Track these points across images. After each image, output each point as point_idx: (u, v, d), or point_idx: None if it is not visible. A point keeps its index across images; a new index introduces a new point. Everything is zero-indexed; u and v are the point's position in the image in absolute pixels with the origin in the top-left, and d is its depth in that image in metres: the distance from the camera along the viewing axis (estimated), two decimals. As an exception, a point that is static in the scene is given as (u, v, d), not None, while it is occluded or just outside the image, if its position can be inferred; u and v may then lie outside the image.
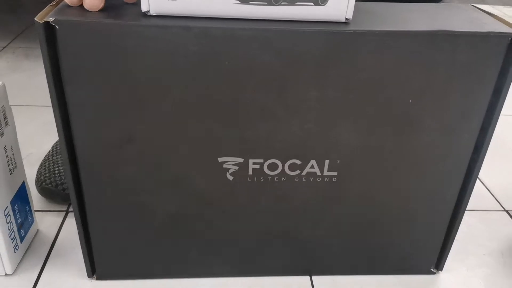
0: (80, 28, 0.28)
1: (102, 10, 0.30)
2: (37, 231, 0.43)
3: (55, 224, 0.45)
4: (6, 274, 0.38)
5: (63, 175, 0.46)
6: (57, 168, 0.47)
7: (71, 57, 0.29)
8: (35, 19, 0.28)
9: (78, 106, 0.31)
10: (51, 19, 0.28)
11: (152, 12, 0.29)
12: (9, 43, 0.88)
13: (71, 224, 0.45)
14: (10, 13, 1.06)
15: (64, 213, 0.46)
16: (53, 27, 0.28)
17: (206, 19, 0.30)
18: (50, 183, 0.46)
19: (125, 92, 0.31)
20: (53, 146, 0.52)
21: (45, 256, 0.41)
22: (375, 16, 0.33)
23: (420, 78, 0.32)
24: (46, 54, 0.29)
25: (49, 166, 0.48)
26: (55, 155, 0.50)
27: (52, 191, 0.46)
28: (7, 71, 0.77)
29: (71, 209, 0.47)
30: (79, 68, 0.29)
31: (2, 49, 0.85)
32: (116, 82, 0.30)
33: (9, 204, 0.37)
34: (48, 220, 0.45)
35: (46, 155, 0.50)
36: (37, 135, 0.59)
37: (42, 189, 0.46)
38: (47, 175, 0.47)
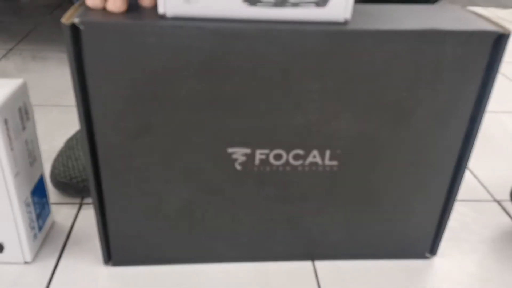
0: (104, 28, 0.31)
1: (127, 11, 0.33)
2: (53, 222, 0.46)
3: (70, 215, 0.47)
4: (25, 262, 0.40)
5: (76, 169, 0.49)
6: (70, 163, 0.50)
7: (94, 55, 0.32)
8: (61, 20, 0.30)
9: (99, 100, 0.33)
10: (76, 21, 0.30)
11: (168, 15, 0.32)
12: (15, 45, 0.90)
13: (85, 215, 0.47)
14: (13, 16, 1.08)
15: (78, 205, 0.49)
16: (78, 28, 0.31)
17: (218, 20, 0.32)
18: (65, 176, 0.48)
19: (142, 87, 0.33)
20: (65, 142, 0.54)
21: (62, 245, 0.43)
22: (371, 17, 0.35)
23: (412, 73, 0.35)
24: (71, 52, 0.31)
25: (63, 161, 0.50)
26: (68, 150, 0.52)
27: (66, 184, 0.48)
28: (15, 72, 0.79)
29: (84, 201, 0.49)
30: (101, 64, 0.32)
31: (9, 51, 0.88)
32: (135, 78, 0.33)
33: (29, 195, 0.39)
34: (63, 212, 0.47)
35: (59, 151, 0.53)
36: (48, 133, 0.61)
37: (57, 183, 0.48)
38: (61, 169, 0.49)
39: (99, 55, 0.32)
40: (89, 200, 0.50)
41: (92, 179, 0.36)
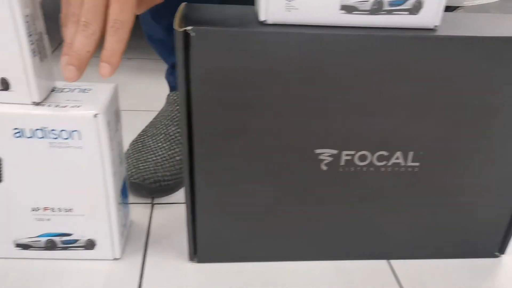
0: (213, 35, 0.33)
1: (226, 19, 0.34)
2: (131, 221, 0.47)
3: (145, 215, 0.49)
4: (114, 258, 0.42)
5: (148, 171, 0.50)
6: (141, 165, 0.51)
7: (200, 60, 0.33)
8: (174, 28, 0.32)
9: (201, 102, 0.35)
10: (189, 28, 0.32)
11: (269, 21, 0.34)
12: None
13: (159, 215, 0.49)
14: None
15: (150, 205, 0.50)
16: (188, 34, 0.32)
17: (315, 27, 0.34)
18: (138, 178, 0.50)
19: (241, 90, 0.35)
20: (130, 145, 0.56)
21: (144, 243, 0.45)
22: (454, 24, 0.37)
23: (495, 77, 0.36)
24: (181, 58, 0.33)
25: (133, 163, 0.52)
26: (135, 153, 0.54)
27: (140, 185, 0.50)
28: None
29: (155, 201, 0.51)
30: (205, 69, 0.34)
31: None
32: (235, 81, 0.35)
33: (120, 194, 0.41)
34: (136, 212, 0.49)
35: (126, 153, 0.54)
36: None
37: (130, 184, 0.50)
38: (133, 171, 0.51)
39: (204, 60, 0.33)
40: (160, 200, 0.51)
41: (188, 179, 0.38)
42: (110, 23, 0.34)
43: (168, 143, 0.55)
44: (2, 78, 0.33)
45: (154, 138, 0.55)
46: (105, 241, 0.41)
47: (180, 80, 0.34)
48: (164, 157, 0.53)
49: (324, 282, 0.41)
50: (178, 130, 0.56)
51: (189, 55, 0.33)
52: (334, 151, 0.38)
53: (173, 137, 0.55)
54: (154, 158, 0.52)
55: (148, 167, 0.51)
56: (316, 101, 0.36)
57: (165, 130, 0.56)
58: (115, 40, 0.34)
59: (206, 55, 0.33)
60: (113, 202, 0.39)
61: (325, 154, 0.39)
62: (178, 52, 0.33)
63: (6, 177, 0.37)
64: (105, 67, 0.34)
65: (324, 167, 0.39)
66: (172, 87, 0.62)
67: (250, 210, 0.40)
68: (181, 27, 0.33)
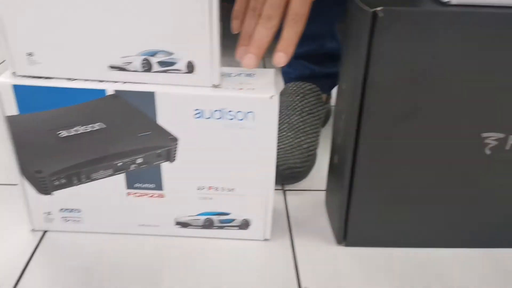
0: (401, 15, 0.33)
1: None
2: (268, 205, 0.49)
3: (279, 200, 0.50)
4: (265, 239, 0.43)
5: (280, 158, 0.51)
6: (270, 152, 0.53)
7: (384, 40, 0.34)
8: (363, 8, 0.33)
9: (377, 84, 0.35)
10: (379, 9, 0.33)
11: (453, 2, 0.34)
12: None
13: (293, 200, 0.50)
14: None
15: (281, 191, 0.51)
16: (376, 15, 0.33)
17: (499, 7, 0.34)
18: (270, 164, 0.51)
19: (419, 71, 0.35)
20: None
21: (287, 226, 0.46)
22: None
23: None
24: (366, 38, 0.34)
25: (262, 150, 0.53)
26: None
27: (272, 172, 0.51)
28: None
29: (286, 188, 0.52)
30: (386, 49, 0.34)
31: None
32: (412, 62, 0.35)
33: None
34: (270, 197, 0.50)
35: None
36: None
37: (263, 170, 0.52)
38: (264, 157, 0.52)
39: (388, 41, 0.34)
40: (290, 187, 0.52)
41: (350, 163, 0.39)
42: (290, 17, 0.36)
43: (292, 132, 0.56)
44: (189, 61, 0.35)
45: (277, 127, 0.57)
46: (259, 221, 0.42)
47: (360, 60, 0.35)
48: (292, 145, 0.54)
49: (478, 270, 0.41)
50: (301, 119, 0.57)
51: (373, 36, 0.34)
52: (501, 135, 0.38)
53: (296, 126, 0.56)
54: (282, 146, 0.54)
55: (278, 155, 0.52)
56: (489, 82, 0.35)
57: (287, 120, 0.57)
58: (293, 32, 0.37)
59: (390, 35, 0.34)
60: (271, 184, 0.40)
61: (492, 138, 0.38)
62: (363, 32, 0.34)
63: (180, 156, 0.39)
64: (281, 57, 0.36)
65: (488, 152, 0.38)
66: (289, 79, 0.63)
67: (406, 195, 0.40)
68: (368, 8, 0.33)
